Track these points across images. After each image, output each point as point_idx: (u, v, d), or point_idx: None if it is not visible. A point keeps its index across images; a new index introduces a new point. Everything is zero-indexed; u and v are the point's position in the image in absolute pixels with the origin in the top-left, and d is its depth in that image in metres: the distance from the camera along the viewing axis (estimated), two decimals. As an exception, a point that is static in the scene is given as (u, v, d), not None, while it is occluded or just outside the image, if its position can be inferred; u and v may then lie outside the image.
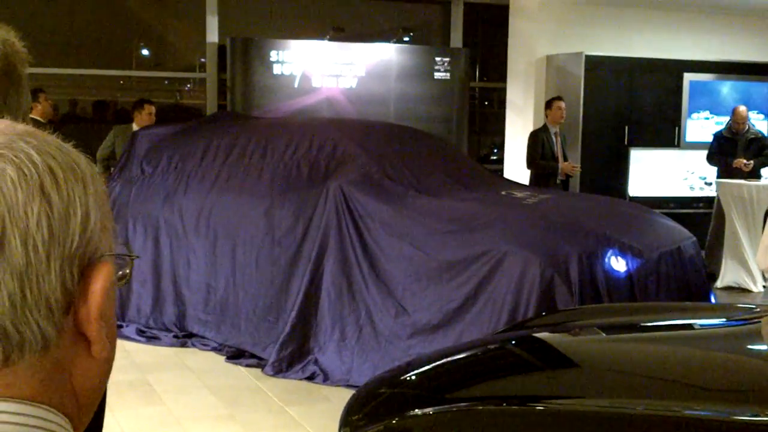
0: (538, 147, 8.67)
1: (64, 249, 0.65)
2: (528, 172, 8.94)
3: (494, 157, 11.73)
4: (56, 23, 9.81)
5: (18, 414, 0.65)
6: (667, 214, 6.74)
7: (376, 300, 5.37)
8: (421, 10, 11.53)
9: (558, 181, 8.68)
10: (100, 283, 0.67)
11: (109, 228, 0.71)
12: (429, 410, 2.61)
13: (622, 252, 5.17)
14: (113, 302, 0.71)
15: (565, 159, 8.77)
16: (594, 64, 9.71)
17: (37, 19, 9.56)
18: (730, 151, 8.96)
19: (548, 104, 8.90)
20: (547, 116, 8.83)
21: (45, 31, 9.64)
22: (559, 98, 8.89)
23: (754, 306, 4.99)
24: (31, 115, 7.55)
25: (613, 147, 9.68)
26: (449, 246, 5.23)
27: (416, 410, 2.62)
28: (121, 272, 0.75)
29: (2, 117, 1.21)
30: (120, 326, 6.48)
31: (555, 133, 8.76)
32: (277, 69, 9.66)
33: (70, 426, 0.69)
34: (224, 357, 5.97)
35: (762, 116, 10.56)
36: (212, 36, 10.05)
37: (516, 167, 10.08)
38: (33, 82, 8.82)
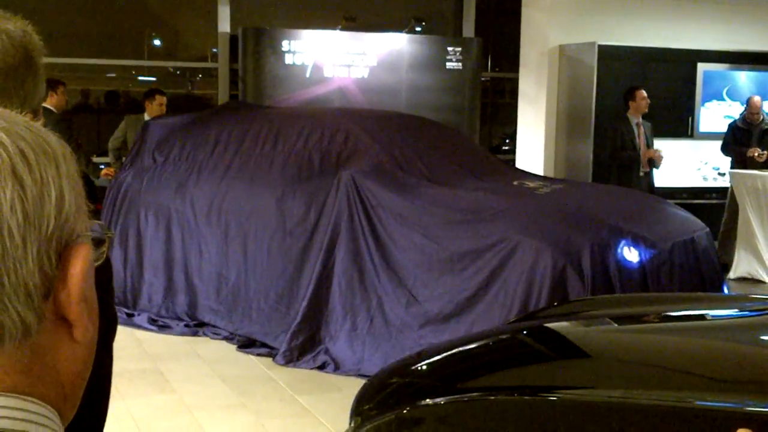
0: (615, 139, 8.45)
1: (40, 232, 0.63)
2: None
3: (506, 148, 11.69)
4: (68, 13, 9.82)
5: (1, 407, 0.62)
6: (680, 205, 6.70)
7: (388, 290, 5.37)
8: (433, 0, 11.49)
9: (642, 174, 8.42)
10: (79, 265, 0.66)
11: (84, 208, 0.69)
12: (440, 400, 2.60)
13: (635, 242, 5.15)
14: (92, 283, 0.69)
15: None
16: (607, 54, 9.64)
17: (49, 9, 9.58)
18: (744, 141, 8.91)
19: (629, 94, 8.60)
20: (629, 107, 8.57)
21: (56, 21, 9.65)
22: (638, 87, 8.61)
23: (767, 297, 4.96)
24: (45, 105, 7.59)
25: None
26: (461, 236, 5.22)
27: (427, 400, 2.62)
28: (97, 251, 0.72)
29: (21, 102, 1.26)
30: (131, 315, 6.50)
31: (637, 123, 8.51)
32: (288, 59, 9.65)
33: (57, 416, 0.66)
34: (235, 346, 5.98)
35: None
36: (224, 26, 10.04)
37: (528, 157, 10.05)
38: (49, 72, 8.83)
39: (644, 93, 8.55)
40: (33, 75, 1.30)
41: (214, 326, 6.26)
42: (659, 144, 9.32)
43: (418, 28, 10.69)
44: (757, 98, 9.00)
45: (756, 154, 8.74)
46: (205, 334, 6.24)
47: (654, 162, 8.56)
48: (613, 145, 8.52)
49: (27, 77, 1.28)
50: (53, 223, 0.64)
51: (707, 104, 10.29)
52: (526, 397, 2.56)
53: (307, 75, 9.73)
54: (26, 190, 0.63)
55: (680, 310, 3.50)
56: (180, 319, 6.43)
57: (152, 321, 6.46)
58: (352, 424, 2.69)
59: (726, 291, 6.14)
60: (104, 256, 0.73)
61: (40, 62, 1.31)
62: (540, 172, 9.14)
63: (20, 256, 0.62)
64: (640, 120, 8.56)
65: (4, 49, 1.24)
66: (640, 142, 8.50)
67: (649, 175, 8.55)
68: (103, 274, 0.72)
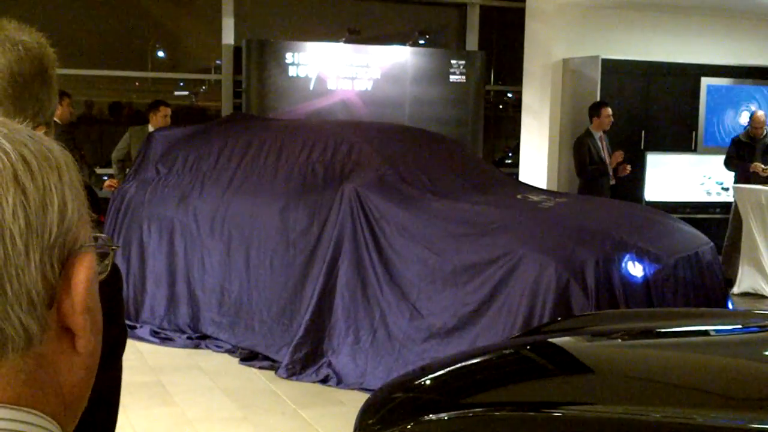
0: (585, 154, 8.55)
1: (43, 240, 0.63)
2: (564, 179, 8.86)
3: (509, 161, 11.69)
4: (72, 24, 9.84)
5: (2, 419, 0.62)
6: (683, 219, 6.69)
7: (391, 303, 5.36)
8: (437, 13, 11.51)
9: (609, 185, 8.57)
10: (83, 274, 0.65)
11: (87, 218, 0.68)
12: (444, 415, 2.59)
13: (639, 257, 5.14)
14: (96, 294, 0.69)
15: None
16: (610, 67, 9.66)
17: (53, 20, 9.60)
18: (747, 156, 8.91)
19: (595, 110, 8.71)
20: (592, 122, 8.68)
21: (61, 32, 9.68)
22: (605, 104, 8.74)
23: (771, 312, 4.94)
24: (50, 117, 7.60)
25: (629, 151, 9.64)
26: (464, 249, 5.21)
27: (431, 415, 2.60)
28: (101, 263, 0.72)
29: (35, 113, 1.27)
30: (133, 327, 6.49)
31: (600, 138, 8.64)
32: (292, 71, 9.66)
33: (60, 430, 0.65)
34: (238, 359, 5.96)
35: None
36: (228, 38, 10.06)
37: (531, 171, 10.04)
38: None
39: (609, 111, 8.66)
40: (47, 87, 1.32)
41: (216, 339, 6.25)
42: (664, 158, 9.34)
43: (421, 41, 10.70)
44: (760, 113, 9.00)
45: (760, 170, 8.74)
46: (207, 347, 6.22)
47: (618, 170, 8.68)
48: (582, 161, 8.57)
49: (41, 89, 1.31)
50: (56, 231, 0.64)
51: (711, 118, 10.29)
52: (530, 413, 2.55)
53: (311, 87, 9.75)
54: (28, 196, 0.62)
55: (684, 326, 3.49)
56: (182, 332, 6.42)
57: (154, 333, 6.45)
58: (355, 439, 2.68)
59: (730, 306, 6.13)
60: (108, 269, 0.72)
61: (53, 74, 1.34)
62: (543, 185, 9.14)
63: (22, 263, 0.62)
64: (603, 134, 8.67)
65: (20, 60, 1.26)
66: (605, 155, 8.62)
67: (615, 187, 8.66)
68: (112, 285, 0.72)
